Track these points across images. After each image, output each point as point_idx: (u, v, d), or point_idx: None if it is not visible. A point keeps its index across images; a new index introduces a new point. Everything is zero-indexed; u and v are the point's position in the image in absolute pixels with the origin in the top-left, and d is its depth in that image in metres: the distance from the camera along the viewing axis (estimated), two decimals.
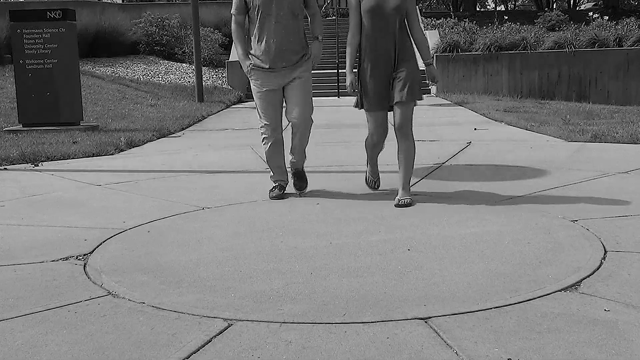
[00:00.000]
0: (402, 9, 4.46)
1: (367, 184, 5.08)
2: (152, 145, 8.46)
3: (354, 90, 4.59)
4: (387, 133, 4.72)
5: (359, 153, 7.04)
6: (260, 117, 4.91)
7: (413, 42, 4.60)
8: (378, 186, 5.03)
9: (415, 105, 4.57)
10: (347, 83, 4.61)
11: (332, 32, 21.20)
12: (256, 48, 4.77)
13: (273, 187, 5.03)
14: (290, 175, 5.13)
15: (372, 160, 4.99)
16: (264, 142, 4.94)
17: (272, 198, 4.92)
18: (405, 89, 4.44)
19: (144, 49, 20.07)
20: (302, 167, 5.14)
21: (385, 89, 4.52)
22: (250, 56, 4.81)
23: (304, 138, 5.00)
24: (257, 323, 2.61)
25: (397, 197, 4.57)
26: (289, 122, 4.95)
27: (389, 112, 4.65)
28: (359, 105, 4.68)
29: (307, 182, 5.13)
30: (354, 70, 4.60)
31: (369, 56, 4.51)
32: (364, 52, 4.54)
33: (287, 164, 5.13)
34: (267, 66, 4.74)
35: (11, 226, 4.31)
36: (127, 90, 14.89)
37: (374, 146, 4.83)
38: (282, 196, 4.92)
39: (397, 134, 4.56)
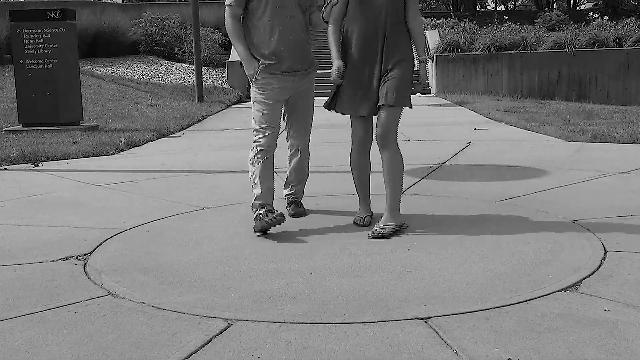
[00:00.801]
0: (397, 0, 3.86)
1: (354, 223, 4.09)
2: (152, 145, 8.46)
3: (340, 78, 3.90)
4: (370, 142, 4.06)
5: None
6: (259, 126, 4.02)
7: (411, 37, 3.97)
8: (369, 223, 4.03)
9: (400, 114, 3.92)
10: (334, 68, 3.88)
11: None
12: (265, 47, 3.96)
13: (266, 211, 3.92)
14: (286, 205, 4.39)
15: (362, 190, 4.13)
16: (256, 157, 4.00)
17: (271, 222, 3.89)
18: (391, 92, 3.81)
19: (144, 49, 20.08)
20: (300, 199, 4.44)
21: (367, 91, 3.90)
22: (260, 57, 3.99)
23: (306, 162, 4.33)
24: (257, 323, 2.61)
25: (378, 223, 3.86)
26: (290, 143, 4.32)
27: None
28: (331, 105, 4.05)
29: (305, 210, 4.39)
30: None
31: (351, 52, 3.90)
32: (346, 46, 3.93)
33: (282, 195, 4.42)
34: (284, 67, 3.98)
35: (11, 226, 4.30)
36: (127, 90, 14.89)
37: (357, 163, 4.08)
38: (280, 220, 3.90)
39: (378, 143, 3.89)
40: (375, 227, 3.83)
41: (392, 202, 3.87)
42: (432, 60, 17.09)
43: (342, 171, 6.02)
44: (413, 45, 3.99)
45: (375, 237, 3.76)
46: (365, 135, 4.04)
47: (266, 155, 4.00)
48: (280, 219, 3.87)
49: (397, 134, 3.92)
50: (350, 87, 3.93)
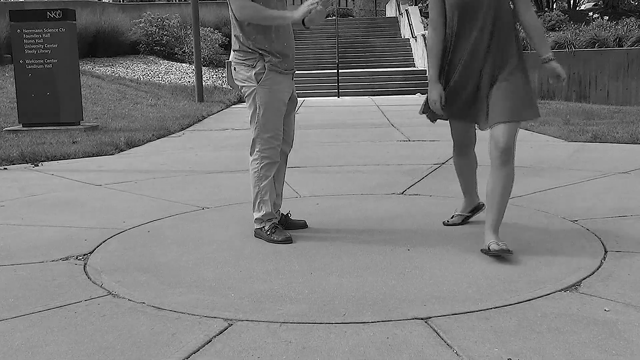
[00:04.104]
0: (503, 1, 3.39)
1: (443, 223, 4.04)
2: (152, 145, 8.46)
3: (442, 107, 3.52)
4: (473, 143, 3.79)
5: (359, 153, 7.05)
6: (267, 135, 3.72)
7: (523, 36, 3.52)
8: (454, 223, 4.00)
9: (520, 126, 3.43)
10: (433, 98, 3.51)
11: (332, 32, 21.21)
12: (271, 42, 3.64)
13: (273, 228, 3.80)
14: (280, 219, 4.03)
15: (465, 185, 3.95)
16: (264, 171, 3.76)
17: (284, 241, 3.73)
18: (508, 107, 3.34)
19: (144, 49, 20.09)
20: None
21: (472, 99, 3.49)
22: (266, 54, 3.64)
23: (285, 169, 4.06)
24: (257, 323, 2.61)
25: (485, 242, 3.37)
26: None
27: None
28: (424, 110, 3.70)
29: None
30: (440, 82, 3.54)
31: (454, 60, 3.49)
32: (448, 53, 3.51)
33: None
34: (287, 65, 3.72)
35: (11, 226, 4.30)
36: (127, 90, 14.89)
37: (460, 162, 3.86)
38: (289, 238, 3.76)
39: (494, 160, 3.36)
40: (495, 243, 3.32)
41: (494, 219, 3.41)
42: None
43: (342, 171, 6.02)
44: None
45: (485, 252, 3.35)
46: (467, 137, 3.77)
47: (274, 168, 3.79)
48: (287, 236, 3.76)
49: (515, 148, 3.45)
50: (457, 95, 3.53)
